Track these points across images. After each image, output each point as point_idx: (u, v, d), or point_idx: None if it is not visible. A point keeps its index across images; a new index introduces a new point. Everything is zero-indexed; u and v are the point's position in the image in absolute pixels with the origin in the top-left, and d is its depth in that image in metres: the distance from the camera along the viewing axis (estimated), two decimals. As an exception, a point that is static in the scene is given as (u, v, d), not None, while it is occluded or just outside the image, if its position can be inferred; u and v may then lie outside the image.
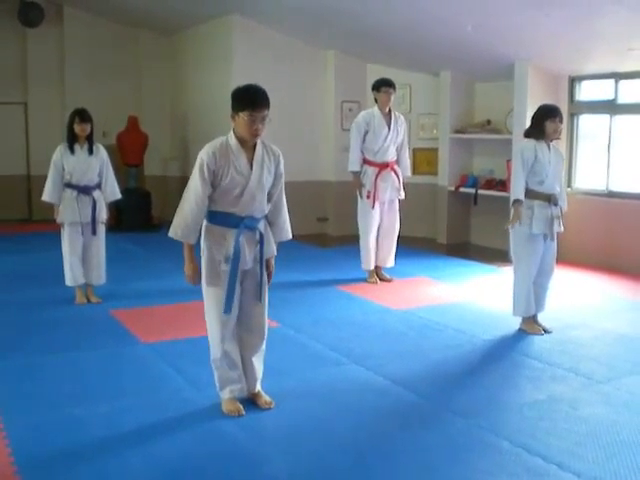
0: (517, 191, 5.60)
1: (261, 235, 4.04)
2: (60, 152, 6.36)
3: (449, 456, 3.64)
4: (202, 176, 3.87)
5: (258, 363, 4.23)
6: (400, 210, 7.73)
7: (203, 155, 3.90)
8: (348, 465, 3.54)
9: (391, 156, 7.48)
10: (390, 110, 7.47)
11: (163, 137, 11.92)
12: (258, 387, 4.25)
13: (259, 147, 4.01)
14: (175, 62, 11.99)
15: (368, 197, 7.42)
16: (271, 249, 4.17)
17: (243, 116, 3.84)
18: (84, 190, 6.38)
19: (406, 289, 7.37)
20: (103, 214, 6.51)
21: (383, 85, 7.36)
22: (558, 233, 5.78)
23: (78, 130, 6.32)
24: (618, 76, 8.16)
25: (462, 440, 3.82)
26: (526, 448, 3.68)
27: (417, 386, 4.58)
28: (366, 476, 3.44)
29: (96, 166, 6.42)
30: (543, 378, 4.77)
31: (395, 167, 7.52)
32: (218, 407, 4.16)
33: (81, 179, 6.37)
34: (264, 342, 4.23)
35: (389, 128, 7.39)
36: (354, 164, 7.45)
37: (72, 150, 6.35)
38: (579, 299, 6.92)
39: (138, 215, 11.00)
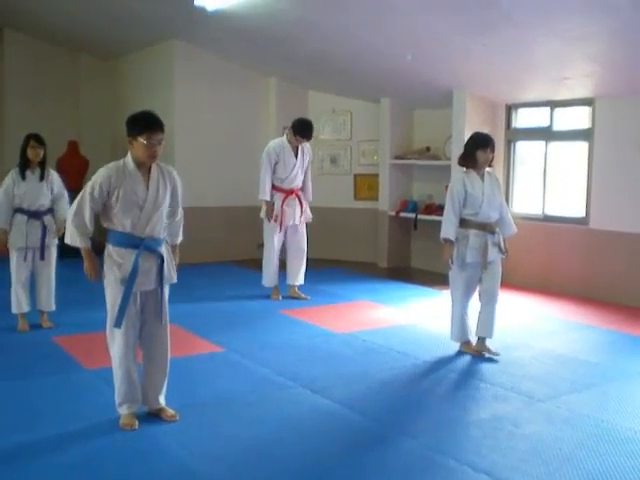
0: (446, 230, 5.66)
1: (162, 257, 4.22)
2: (12, 178, 6.26)
3: (397, 476, 3.67)
4: (92, 194, 4.05)
5: (162, 379, 4.39)
6: (308, 232, 8.18)
7: (97, 177, 4.09)
8: (298, 486, 3.56)
9: (297, 183, 7.90)
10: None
11: (103, 162, 11.48)
12: (162, 402, 4.40)
13: (154, 170, 4.20)
14: (116, 87, 11.91)
15: (275, 220, 7.78)
16: (171, 275, 4.34)
17: (141, 140, 4.03)
18: (34, 215, 6.31)
19: (349, 313, 7.44)
20: (53, 239, 6.43)
21: (300, 134, 7.71)
22: (502, 259, 5.84)
23: (31, 155, 6.24)
24: (553, 104, 8.43)
25: (409, 459, 3.87)
26: (472, 466, 3.75)
27: (363, 408, 4.63)
28: (316, 497, 3.47)
29: (47, 192, 6.35)
30: (486, 397, 4.87)
31: (299, 193, 7.94)
32: (165, 431, 4.17)
33: (32, 204, 6.29)
34: (168, 359, 4.39)
35: (296, 158, 7.80)
36: (266, 193, 7.80)
37: (23, 176, 6.27)
38: (518, 321, 7.09)
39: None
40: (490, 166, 5.80)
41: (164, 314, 4.32)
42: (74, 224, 4.11)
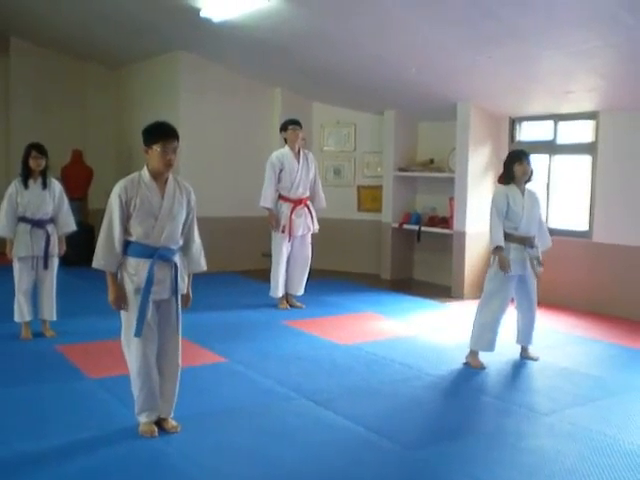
0: (496, 238, 5.81)
1: (175, 266, 4.23)
2: (15, 187, 6.32)
3: (400, 488, 3.69)
4: (117, 207, 4.07)
5: (173, 389, 4.38)
6: (312, 243, 8.22)
7: (115, 190, 4.11)
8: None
9: (303, 192, 7.98)
10: (299, 149, 8.00)
11: (107, 171, 11.77)
12: (171, 414, 4.39)
13: (170, 181, 4.23)
14: (121, 96, 11.98)
15: (283, 231, 7.86)
16: (184, 283, 4.35)
17: (156, 148, 4.08)
18: (38, 224, 6.34)
19: (352, 324, 7.44)
20: (56, 248, 6.47)
21: (290, 124, 7.96)
22: (537, 273, 6.01)
23: (33, 165, 6.29)
24: (557, 117, 8.45)
25: (412, 472, 3.88)
26: (475, 479, 3.75)
27: (366, 420, 4.63)
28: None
29: (50, 200, 6.38)
30: (489, 411, 4.89)
31: (308, 203, 8.03)
32: (167, 442, 4.17)
33: (35, 213, 6.33)
34: (179, 370, 4.40)
35: (299, 164, 7.89)
36: (267, 200, 7.90)
37: (26, 185, 6.31)
38: (521, 334, 7.07)
39: (82, 249, 10.81)
40: (529, 180, 5.92)
41: (178, 324, 4.33)
42: (102, 245, 4.13)
